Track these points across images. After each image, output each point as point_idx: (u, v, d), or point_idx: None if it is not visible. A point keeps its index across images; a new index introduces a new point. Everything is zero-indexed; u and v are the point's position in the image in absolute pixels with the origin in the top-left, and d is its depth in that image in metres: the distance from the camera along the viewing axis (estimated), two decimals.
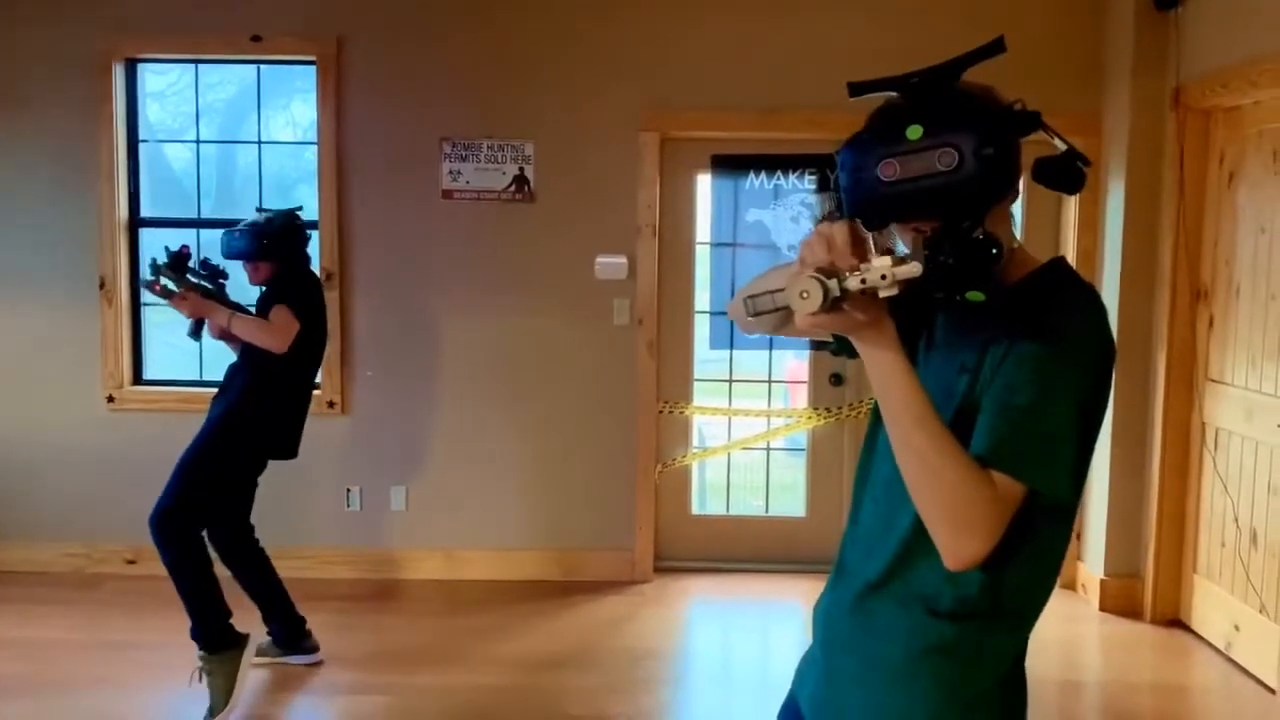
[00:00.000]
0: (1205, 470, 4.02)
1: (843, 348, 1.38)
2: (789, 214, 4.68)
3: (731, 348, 4.81)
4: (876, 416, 1.35)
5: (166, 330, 4.69)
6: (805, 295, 1.12)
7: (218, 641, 3.33)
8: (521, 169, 4.53)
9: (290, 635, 3.67)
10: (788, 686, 1.57)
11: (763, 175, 4.66)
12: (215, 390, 3.62)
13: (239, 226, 3.55)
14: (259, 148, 4.75)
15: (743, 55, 4.48)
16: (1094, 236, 4.43)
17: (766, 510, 5.00)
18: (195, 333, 3.64)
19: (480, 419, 4.63)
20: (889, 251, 1.14)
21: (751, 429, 4.83)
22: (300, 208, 3.73)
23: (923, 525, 1.22)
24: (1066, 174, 1.26)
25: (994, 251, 1.14)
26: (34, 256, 4.57)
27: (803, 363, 4.87)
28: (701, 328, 4.77)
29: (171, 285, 3.54)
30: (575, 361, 4.61)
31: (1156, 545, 4.18)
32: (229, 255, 3.58)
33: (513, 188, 4.54)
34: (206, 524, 3.47)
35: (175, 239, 3.64)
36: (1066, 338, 1.24)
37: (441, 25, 4.49)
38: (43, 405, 4.63)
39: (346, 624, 4.06)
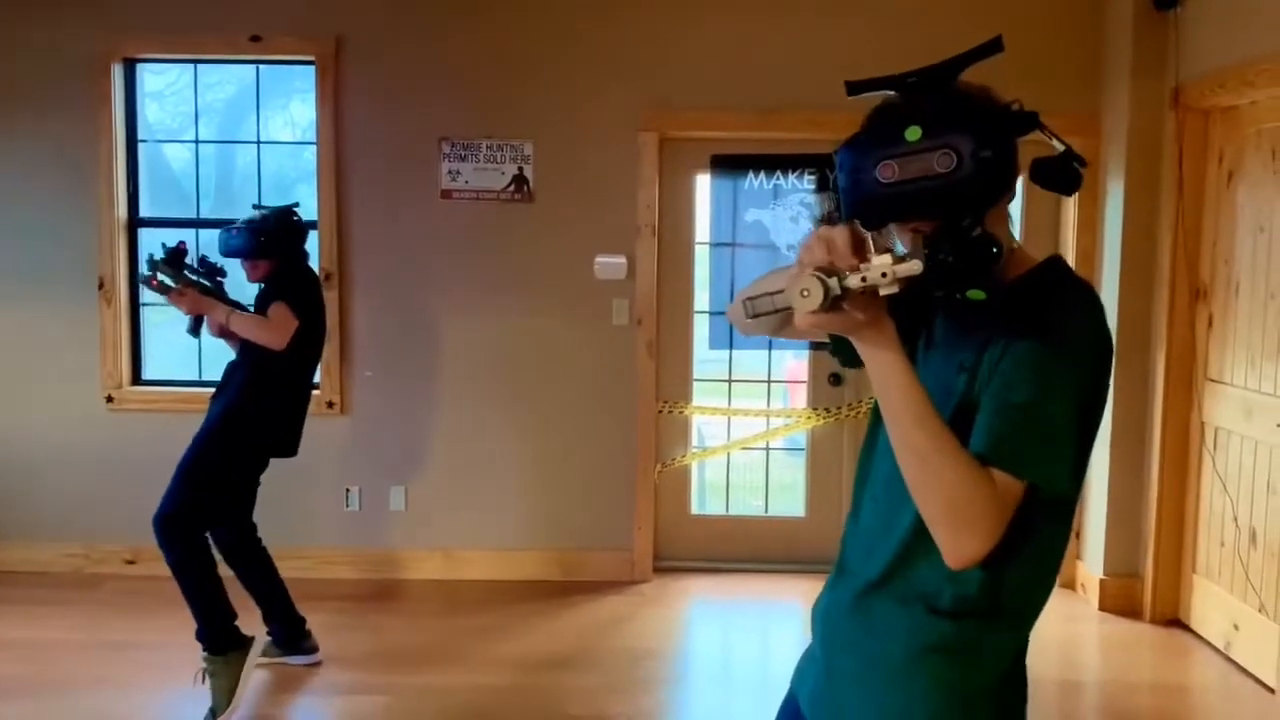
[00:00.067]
0: (1205, 470, 4.03)
1: (840, 352, 1.38)
2: (788, 214, 4.68)
3: (731, 348, 4.81)
4: (876, 416, 1.35)
5: (166, 330, 4.69)
6: (806, 294, 1.13)
7: (223, 643, 3.32)
8: (521, 169, 4.53)
9: (290, 636, 3.67)
10: (787, 686, 1.58)
11: (762, 175, 4.66)
12: (214, 389, 3.62)
13: (236, 224, 3.55)
14: (258, 148, 4.75)
15: (742, 55, 4.48)
16: (1093, 236, 4.44)
17: (766, 510, 5.00)
18: (194, 329, 3.64)
19: (480, 419, 4.63)
20: (888, 251, 1.15)
21: (751, 429, 4.83)
22: (297, 204, 3.72)
23: (923, 524, 1.23)
24: (1063, 175, 1.26)
25: (994, 250, 1.15)
26: (33, 256, 4.57)
27: (802, 363, 4.87)
28: (701, 327, 4.77)
29: (168, 281, 3.54)
30: (575, 361, 4.61)
31: (1156, 545, 4.19)
32: (226, 253, 3.59)
33: (512, 188, 4.54)
34: (209, 524, 3.47)
35: (174, 239, 3.64)
36: (1065, 336, 1.24)
37: (441, 25, 4.49)
38: (42, 405, 4.63)
39: (346, 624, 4.06)
